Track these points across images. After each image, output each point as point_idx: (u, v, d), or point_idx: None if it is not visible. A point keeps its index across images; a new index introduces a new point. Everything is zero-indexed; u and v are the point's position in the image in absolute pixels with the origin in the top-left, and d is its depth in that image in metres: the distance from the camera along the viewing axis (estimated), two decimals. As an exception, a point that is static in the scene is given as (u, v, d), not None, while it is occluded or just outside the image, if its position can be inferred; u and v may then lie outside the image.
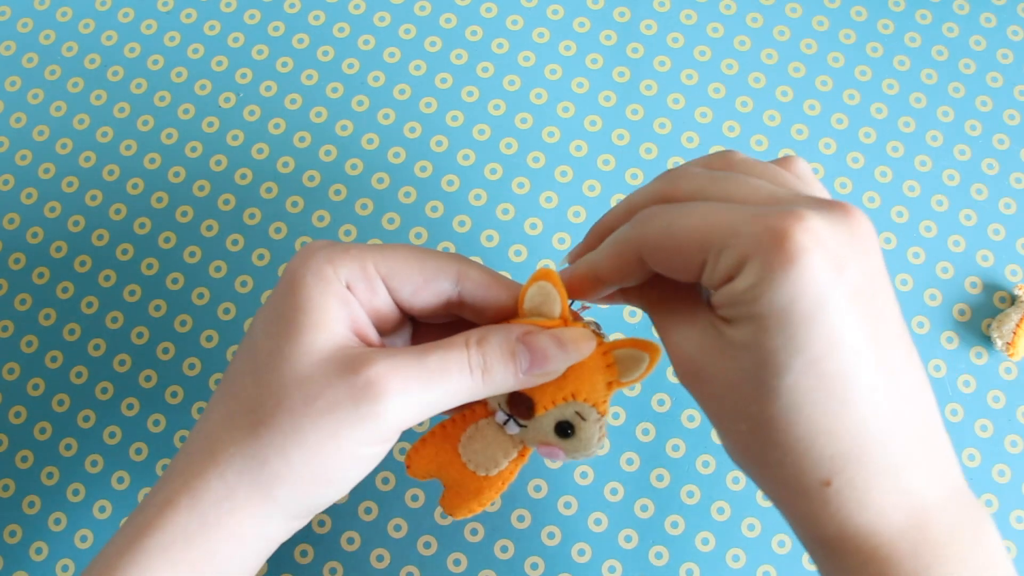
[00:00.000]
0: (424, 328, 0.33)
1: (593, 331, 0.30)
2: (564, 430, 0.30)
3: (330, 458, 0.28)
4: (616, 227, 0.29)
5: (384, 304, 0.31)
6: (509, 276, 0.32)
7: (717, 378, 0.26)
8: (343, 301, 0.29)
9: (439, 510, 0.41)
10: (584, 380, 0.30)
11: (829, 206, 0.25)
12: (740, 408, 0.25)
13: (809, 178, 0.28)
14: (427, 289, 0.30)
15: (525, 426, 0.31)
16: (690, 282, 0.27)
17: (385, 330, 0.31)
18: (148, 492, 0.30)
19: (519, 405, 0.30)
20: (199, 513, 0.28)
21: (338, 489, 0.29)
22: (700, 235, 0.25)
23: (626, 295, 0.31)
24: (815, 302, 0.23)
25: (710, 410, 0.27)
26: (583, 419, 0.30)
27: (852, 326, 0.24)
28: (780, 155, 0.28)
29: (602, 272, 0.29)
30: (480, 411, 0.31)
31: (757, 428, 0.25)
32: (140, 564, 0.27)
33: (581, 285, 0.30)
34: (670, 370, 0.42)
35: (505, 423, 0.31)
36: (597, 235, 0.30)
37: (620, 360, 0.30)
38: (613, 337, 0.33)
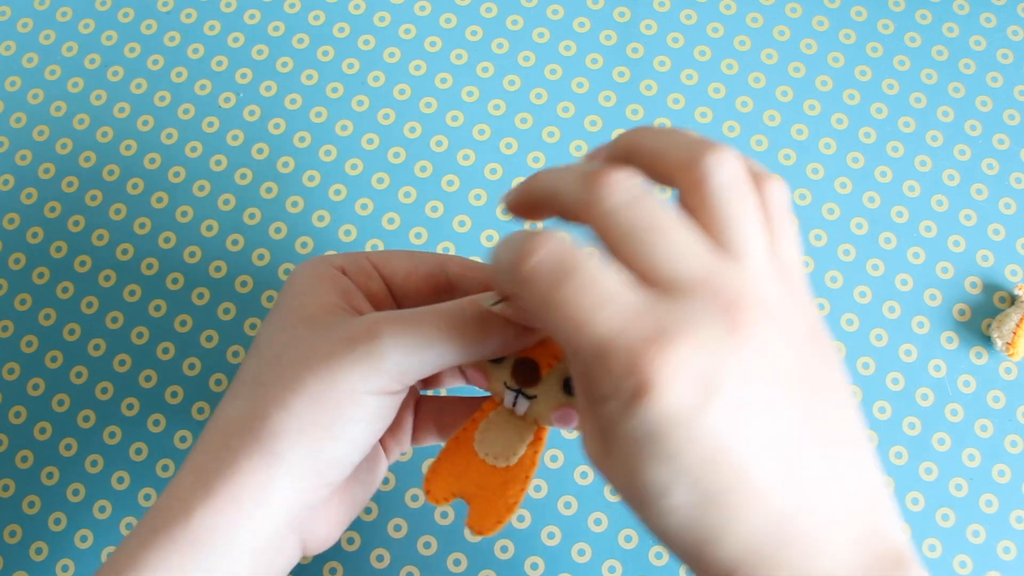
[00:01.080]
0: None
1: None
2: (568, 386, 0.30)
3: (332, 403, 0.27)
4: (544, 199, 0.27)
5: (379, 289, 0.32)
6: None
7: (614, 482, 0.25)
8: (335, 280, 0.31)
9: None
10: None
11: (715, 310, 0.23)
12: (638, 514, 0.25)
13: (775, 212, 0.25)
14: (416, 273, 0.32)
15: (535, 396, 0.30)
16: None
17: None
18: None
19: (524, 372, 0.30)
20: (201, 485, 0.28)
21: (343, 444, 0.28)
22: (572, 336, 0.23)
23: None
24: (680, 432, 0.22)
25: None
26: None
27: (734, 441, 0.22)
28: (764, 174, 0.25)
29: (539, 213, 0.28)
30: (488, 406, 0.31)
31: (659, 536, 0.25)
32: (144, 546, 0.27)
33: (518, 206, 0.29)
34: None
35: (514, 404, 0.30)
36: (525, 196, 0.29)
37: None
38: None
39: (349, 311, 0.30)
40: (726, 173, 0.24)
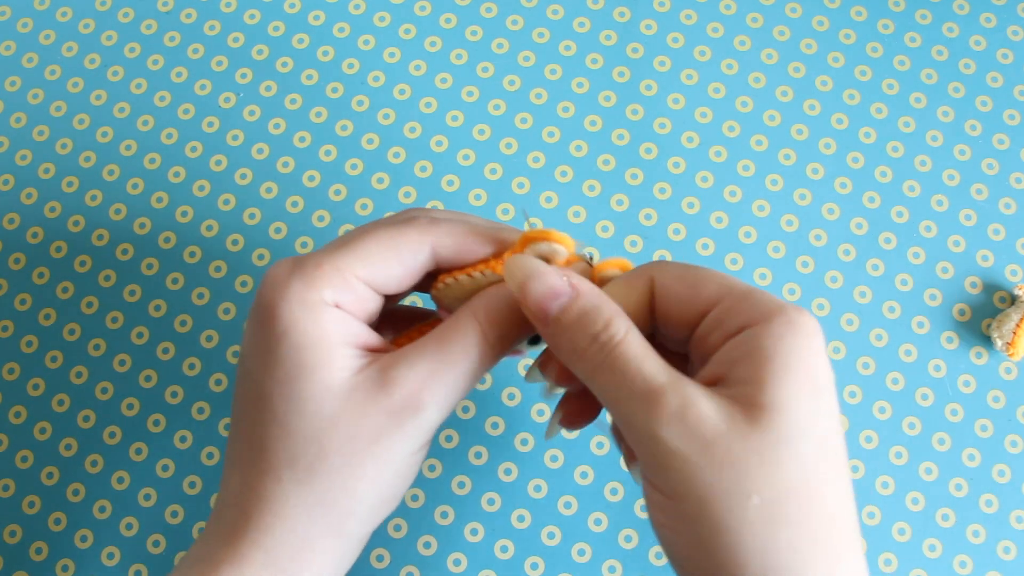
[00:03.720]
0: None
1: (587, 262, 0.30)
2: (536, 340, 0.31)
3: (391, 478, 0.29)
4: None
5: (373, 304, 0.30)
6: (479, 222, 0.31)
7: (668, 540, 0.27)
8: (338, 323, 0.28)
9: (440, 510, 0.41)
10: None
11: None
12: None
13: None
14: (408, 276, 0.30)
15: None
16: None
17: (374, 318, 0.31)
18: (194, 549, 0.29)
19: None
20: (277, 568, 0.28)
21: (399, 499, 0.30)
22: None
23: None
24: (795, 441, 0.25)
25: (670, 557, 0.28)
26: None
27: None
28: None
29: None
30: (435, 322, 0.31)
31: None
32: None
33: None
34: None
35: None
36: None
37: (605, 281, 0.30)
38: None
39: (366, 359, 0.29)
40: None
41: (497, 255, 0.30)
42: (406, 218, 0.31)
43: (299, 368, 0.28)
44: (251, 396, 0.29)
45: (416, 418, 0.28)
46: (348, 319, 0.29)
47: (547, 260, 0.29)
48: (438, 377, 0.28)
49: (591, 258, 0.30)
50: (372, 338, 0.30)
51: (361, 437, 0.28)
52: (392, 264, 0.29)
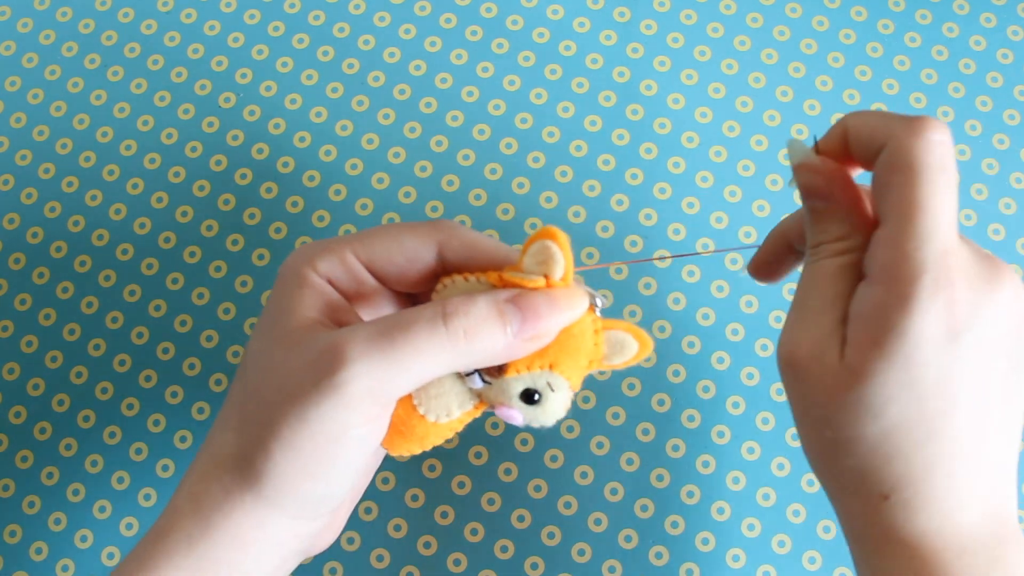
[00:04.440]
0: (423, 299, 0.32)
1: (593, 304, 0.29)
2: (531, 397, 0.29)
3: (310, 448, 0.26)
4: (790, 233, 0.32)
5: (373, 290, 0.30)
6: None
7: (820, 383, 0.26)
8: (317, 292, 0.29)
9: (440, 510, 0.41)
10: (567, 351, 0.29)
11: (981, 257, 0.26)
12: (831, 417, 0.26)
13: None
14: (412, 268, 0.30)
15: (490, 383, 0.29)
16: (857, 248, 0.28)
17: (373, 304, 0.31)
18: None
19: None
20: (202, 517, 0.28)
21: (332, 482, 0.28)
22: (920, 232, 0.26)
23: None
24: (940, 347, 0.25)
25: (798, 408, 0.28)
26: (552, 390, 0.29)
27: (966, 371, 0.26)
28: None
29: (857, 133, 0.28)
30: None
31: (843, 439, 0.27)
32: (146, 570, 0.27)
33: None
34: (670, 369, 0.42)
35: (469, 375, 0.29)
36: (776, 240, 0.33)
37: (608, 341, 0.29)
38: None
39: (322, 328, 0.28)
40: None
41: (499, 267, 0.30)
42: (427, 222, 0.31)
43: (270, 326, 0.29)
44: (242, 357, 0.31)
45: (331, 375, 0.25)
46: (329, 291, 0.29)
47: (545, 263, 0.28)
48: (368, 338, 0.26)
49: (601, 304, 0.29)
50: (350, 316, 0.29)
51: (284, 393, 0.26)
52: (393, 251, 0.29)
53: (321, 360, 0.26)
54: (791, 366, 0.27)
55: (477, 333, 0.27)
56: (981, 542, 0.26)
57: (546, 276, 0.28)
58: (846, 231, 0.28)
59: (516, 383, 0.29)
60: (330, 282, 0.29)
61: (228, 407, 0.30)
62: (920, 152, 0.26)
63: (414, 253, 0.29)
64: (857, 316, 0.26)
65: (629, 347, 0.29)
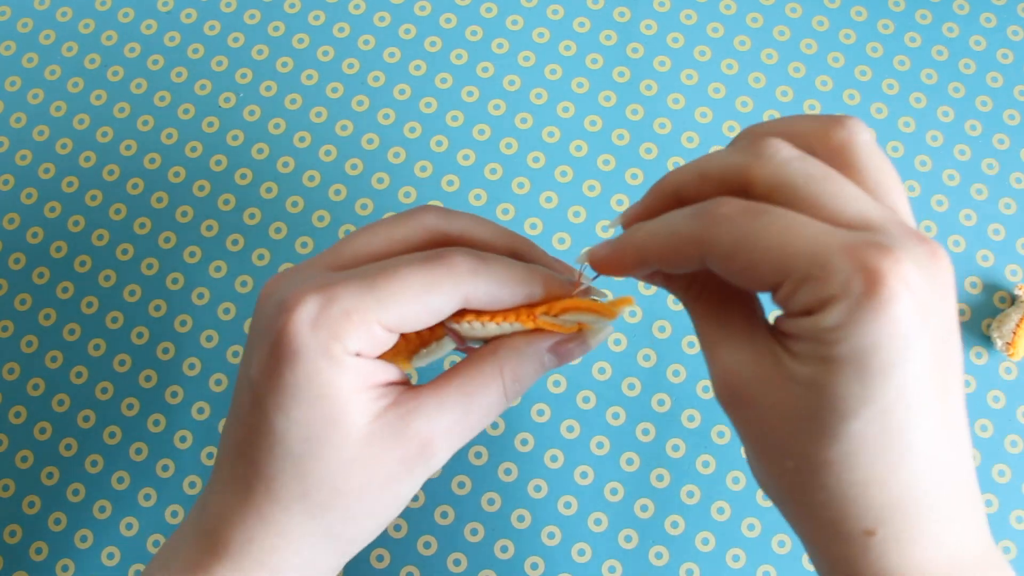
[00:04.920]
0: None
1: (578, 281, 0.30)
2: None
3: (393, 512, 0.29)
4: (683, 192, 0.27)
5: (392, 342, 0.29)
6: (514, 268, 0.29)
7: (769, 409, 0.24)
8: (359, 371, 0.28)
9: (440, 510, 0.41)
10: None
11: (919, 242, 0.23)
12: (790, 445, 0.24)
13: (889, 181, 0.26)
14: (434, 320, 0.29)
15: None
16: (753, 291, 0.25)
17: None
18: (164, 555, 0.30)
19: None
20: None
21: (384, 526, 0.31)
22: (780, 257, 0.23)
23: (669, 282, 0.28)
24: (898, 352, 0.22)
25: (752, 439, 0.26)
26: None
27: (926, 378, 0.23)
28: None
29: (651, 257, 0.26)
30: (436, 332, 0.30)
31: (807, 468, 0.24)
32: None
33: (622, 263, 0.27)
34: (670, 370, 0.42)
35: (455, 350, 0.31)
36: (658, 197, 0.28)
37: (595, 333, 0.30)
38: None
39: (385, 411, 0.28)
40: (869, 136, 0.25)
41: (529, 306, 0.29)
42: (439, 254, 0.28)
43: (320, 417, 0.27)
44: (264, 431, 0.28)
45: (427, 463, 0.28)
46: (367, 364, 0.28)
47: (580, 327, 0.30)
48: (455, 428, 0.29)
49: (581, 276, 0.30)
50: (388, 373, 0.29)
51: (375, 482, 0.28)
52: (421, 314, 0.28)
53: (413, 455, 0.28)
54: (735, 395, 0.25)
55: (526, 387, 0.30)
56: (980, 569, 0.25)
57: (576, 281, 0.30)
58: (696, 273, 0.27)
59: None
60: (358, 354, 0.28)
61: (277, 487, 0.28)
62: (845, 144, 0.25)
63: (441, 311, 0.28)
64: (802, 325, 0.23)
65: (604, 330, 0.31)
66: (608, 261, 0.27)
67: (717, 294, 0.27)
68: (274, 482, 0.28)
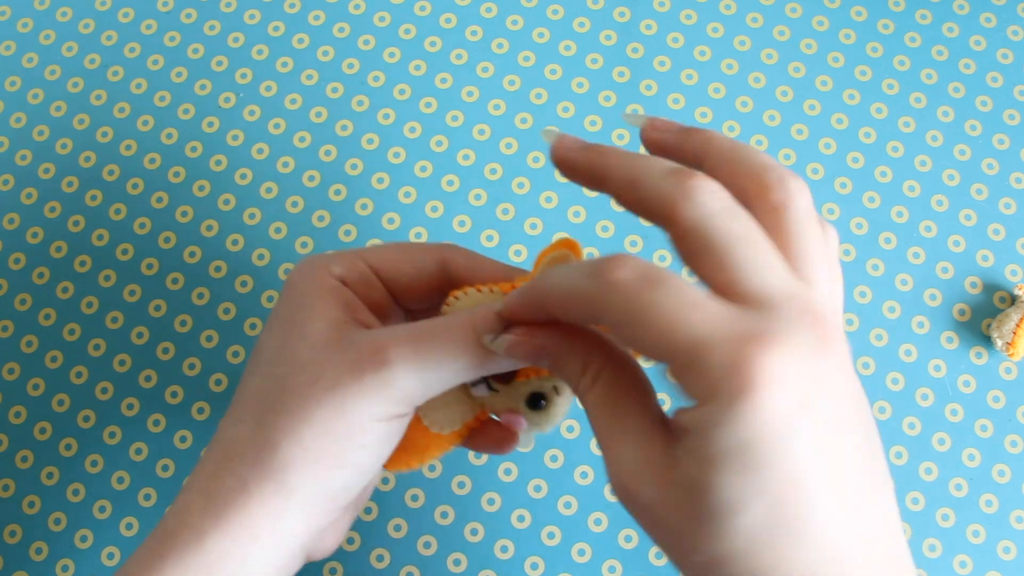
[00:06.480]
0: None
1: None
2: (536, 402, 0.30)
3: (341, 434, 0.27)
4: (612, 178, 0.26)
5: (381, 297, 0.31)
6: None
7: (661, 509, 0.24)
8: (337, 293, 0.30)
9: (440, 510, 0.41)
10: None
11: (810, 326, 0.23)
12: (688, 542, 0.24)
13: (833, 255, 0.26)
14: (419, 278, 0.31)
15: (497, 391, 0.30)
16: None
17: (384, 311, 0.32)
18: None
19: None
20: (213, 510, 0.27)
21: (353, 472, 0.28)
22: (666, 340, 0.22)
23: (558, 367, 0.27)
24: (778, 445, 0.22)
25: (656, 536, 0.25)
26: (558, 394, 0.30)
27: (814, 465, 0.22)
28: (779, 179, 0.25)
29: (553, 311, 0.26)
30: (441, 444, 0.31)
31: (710, 562, 0.24)
32: (152, 569, 0.27)
33: (529, 315, 0.27)
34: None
35: (475, 384, 0.30)
36: (586, 176, 0.27)
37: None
38: None
39: (354, 326, 0.29)
40: (806, 203, 0.25)
41: (510, 279, 0.30)
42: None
43: (290, 324, 0.29)
44: (251, 356, 0.30)
45: (377, 371, 0.27)
46: (348, 293, 0.30)
47: None
48: (410, 342, 0.27)
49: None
50: (368, 317, 0.30)
51: (320, 384, 0.27)
52: (403, 262, 0.31)
53: (363, 358, 0.27)
54: (629, 494, 0.24)
55: (507, 345, 0.28)
56: None
57: None
58: (588, 358, 0.26)
59: (524, 388, 0.30)
60: (344, 283, 0.30)
61: (241, 403, 0.29)
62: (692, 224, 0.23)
63: (421, 263, 0.31)
64: (687, 418, 0.23)
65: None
66: (518, 312, 0.27)
67: (612, 382, 0.26)
68: (240, 399, 0.29)
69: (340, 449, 0.27)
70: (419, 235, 0.44)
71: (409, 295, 0.32)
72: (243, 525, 0.27)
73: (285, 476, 0.27)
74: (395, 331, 0.28)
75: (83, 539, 0.40)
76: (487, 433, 0.32)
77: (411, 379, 0.27)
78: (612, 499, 0.41)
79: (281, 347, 0.29)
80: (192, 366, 0.42)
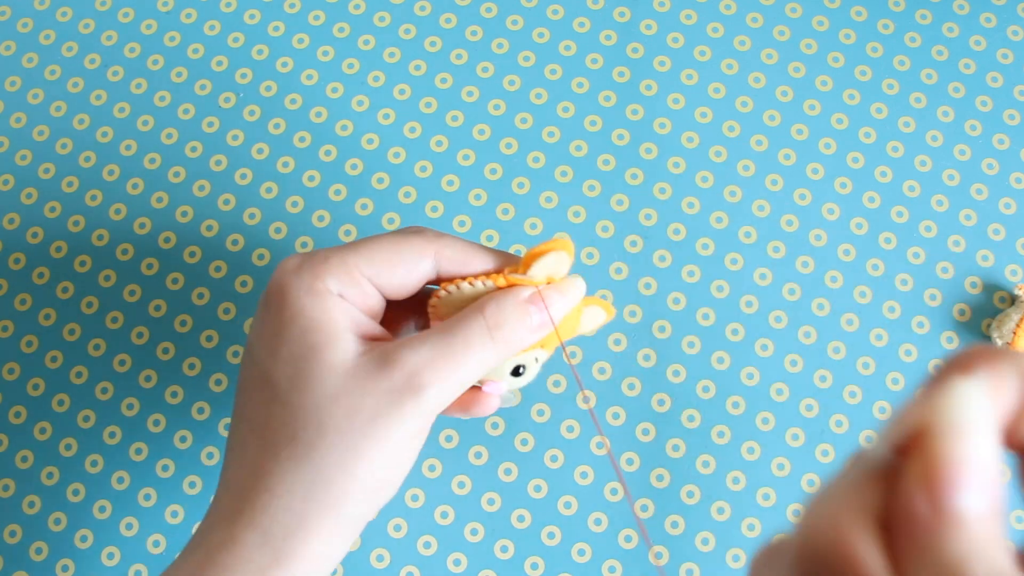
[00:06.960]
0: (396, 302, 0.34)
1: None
2: (517, 371, 0.33)
3: (388, 460, 0.29)
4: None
5: (376, 302, 0.31)
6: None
7: None
8: (343, 311, 0.30)
9: (440, 510, 0.41)
10: (561, 332, 0.32)
11: None
12: None
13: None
14: (410, 278, 0.31)
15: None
16: None
17: (378, 317, 0.32)
18: (195, 534, 0.30)
19: None
20: (271, 548, 0.28)
21: (397, 486, 0.30)
22: None
23: None
24: None
25: None
26: (535, 361, 0.33)
27: None
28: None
29: None
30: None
31: None
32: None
33: None
34: (670, 369, 0.42)
35: None
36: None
37: (587, 316, 0.33)
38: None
39: (372, 347, 0.29)
40: None
41: (499, 269, 0.32)
42: (412, 229, 0.32)
43: (305, 349, 0.29)
44: (256, 379, 0.30)
45: (416, 399, 0.28)
46: (352, 309, 0.30)
47: (556, 273, 0.31)
48: (440, 362, 0.29)
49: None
50: (375, 329, 0.31)
51: (360, 415, 0.28)
52: (396, 266, 0.31)
53: (400, 387, 0.28)
54: None
55: (513, 338, 0.30)
56: None
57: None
58: None
59: (513, 362, 0.32)
60: (341, 296, 0.30)
61: (265, 432, 0.29)
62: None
63: (415, 266, 0.31)
64: None
65: (599, 317, 0.34)
66: None
67: None
68: (266, 431, 0.29)
69: (388, 475, 0.29)
70: (419, 235, 0.44)
71: (400, 294, 0.32)
72: (304, 557, 0.28)
73: (342, 509, 0.28)
74: (420, 351, 0.29)
75: (83, 539, 0.40)
76: (462, 399, 0.33)
77: (444, 396, 0.29)
78: (612, 499, 0.41)
79: (300, 375, 0.29)
80: (192, 366, 0.42)
